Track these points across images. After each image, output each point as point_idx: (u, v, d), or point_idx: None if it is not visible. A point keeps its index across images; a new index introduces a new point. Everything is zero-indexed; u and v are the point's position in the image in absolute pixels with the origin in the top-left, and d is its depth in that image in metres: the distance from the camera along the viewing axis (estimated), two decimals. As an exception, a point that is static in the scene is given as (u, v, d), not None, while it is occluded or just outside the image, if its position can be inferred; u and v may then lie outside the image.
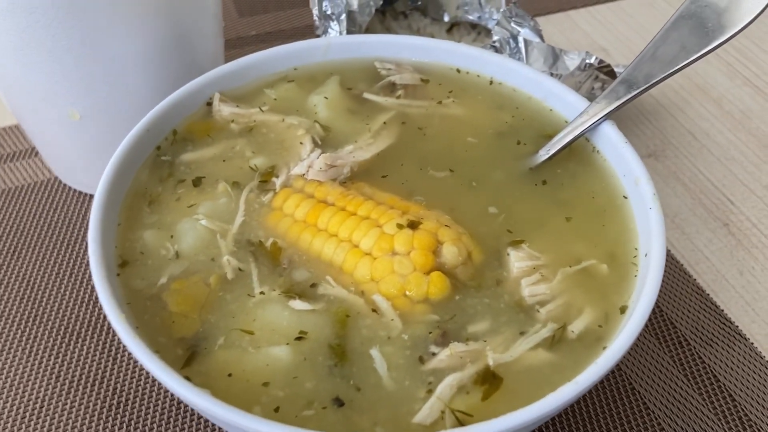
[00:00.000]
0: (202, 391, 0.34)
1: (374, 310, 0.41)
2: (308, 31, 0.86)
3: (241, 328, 0.40)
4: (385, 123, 0.53)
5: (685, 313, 0.56)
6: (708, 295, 0.58)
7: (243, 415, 0.33)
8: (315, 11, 0.66)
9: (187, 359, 0.38)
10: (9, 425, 0.49)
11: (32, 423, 0.49)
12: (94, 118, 0.57)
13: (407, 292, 0.41)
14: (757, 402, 0.51)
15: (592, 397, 0.51)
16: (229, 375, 0.38)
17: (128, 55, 0.53)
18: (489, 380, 0.37)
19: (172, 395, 0.50)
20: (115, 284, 0.40)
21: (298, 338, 0.39)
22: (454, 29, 0.79)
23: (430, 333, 0.40)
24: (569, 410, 0.50)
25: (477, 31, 0.78)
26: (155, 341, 0.38)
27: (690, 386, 0.52)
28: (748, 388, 0.52)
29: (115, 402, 0.50)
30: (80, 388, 0.51)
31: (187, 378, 0.36)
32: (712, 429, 0.49)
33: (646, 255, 0.41)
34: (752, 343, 0.54)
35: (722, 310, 0.57)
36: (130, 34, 0.52)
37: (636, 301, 0.39)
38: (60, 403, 0.50)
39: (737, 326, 0.56)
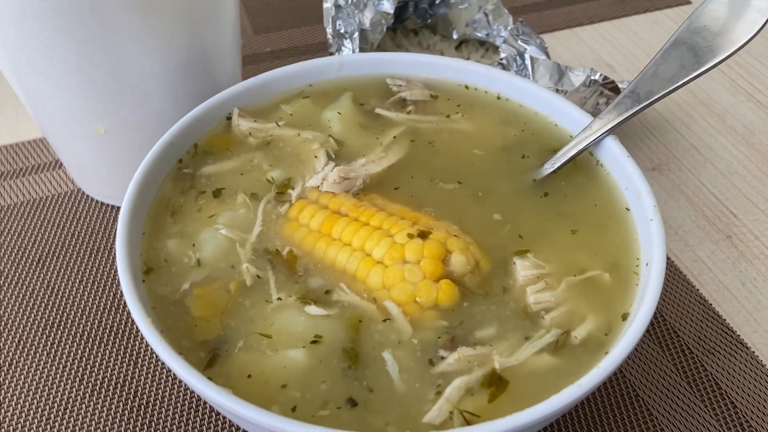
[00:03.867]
0: (225, 390, 0.36)
1: (386, 320, 0.43)
2: (321, 47, 0.89)
3: (260, 332, 0.42)
4: (395, 137, 0.55)
5: (687, 322, 0.58)
6: (710, 304, 0.59)
7: (264, 413, 0.35)
8: (329, 30, 0.68)
9: (209, 361, 0.40)
10: (35, 426, 0.51)
11: (56, 424, 0.51)
12: (118, 132, 0.59)
13: (417, 299, 0.43)
14: (758, 409, 0.52)
15: (597, 403, 0.52)
16: (249, 376, 0.40)
17: (152, 72, 0.56)
18: (495, 383, 0.39)
19: (191, 398, 0.52)
20: (141, 290, 0.42)
21: (314, 342, 0.41)
22: (463, 46, 0.81)
23: (439, 338, 0.42)
24: (575, 415, 0.51)
25: (485, 48, 0.80)
26: (179, 344, 0.40)
27: (692, 393, 0.53)
28: (749, 395, 0.53)
29: (137, 404, 0.52)
30: (103, 390, 0.53)
31: (210, 379, 0.38)
32: (714, 435, 0.51)
33: (647, 264, 0.43)
34: (753, 352, 0.56)
35: (724, 320, 0.58)
36: (155, 52, 0.55)
37: (637, 308, 0.41)
38: (84, 406, 0.52)
39: (739, 335, 0.57)
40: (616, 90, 0.66)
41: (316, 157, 0.53)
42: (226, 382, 0.38)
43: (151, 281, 0.44)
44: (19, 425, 0.51)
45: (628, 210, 0.48)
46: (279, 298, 0.44)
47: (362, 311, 0.43)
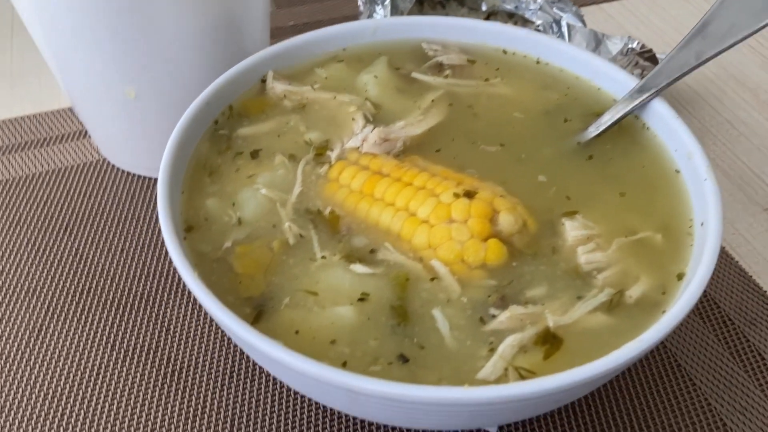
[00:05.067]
0: (276, 342, 0.35)
1: (433, 278, 0.42)
2: (345, 21, 0.87)
3: (306, 289, 0.41)
4: (433, 101, 0.54)
5: (728, 294, 0.57)
6: (750, 276, 0.58)
7: (321, 366, 0.34)
8: (360, -4, 0.67)
9: (256, 317, 0.39)
10: (66, 392, 0.50)
11: (89, 390, 0.50)
12: (147, 96, 0.58)
13: (465, 258, 0.42)
14: (804, 379, 0.51)
15: (638, 372, 0.51)
16: (296, 332, 0.39)
17: (184, 36, 0.55)
18: (549, 341, 0.38)
19: (225, 363, 0.51)
20: (184, 247, 0.41)
21: (361, 299, 0.40)
22: (491, 18, 0.80)
23: (489, 297, 0.41)
24: (616, 384, 0.50)
25: (514, 21, 0.79)
26: (224, 300, 0.39)
27: (735, 363, 0.52)
28: (793, 365, 0.52)
29: (169, 370, 0.51)
30: (135, 357, 0.52)
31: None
32: (759, 404, 0.50)
33: (702, 224, 0.42)
34: (796, 323, 0.55)
35: (765, 291, 0.57)
36: (186, 16, 0.54)
37: (695, 267, 0.40)
38: (116, 371, 0.51)
39: (781, 306, 0.56)
40: (653, 60, 0.65)
41: (353, 119, 0.52)
42: (275, 338, 0.37)
43: (192, 239, 0.43)
44: (51, 391, 0.50)
45: (678, 172, 0.47)
46: (323, 257, 0.43)
47: (408, 270, 0.42)
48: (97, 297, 0.56)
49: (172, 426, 0.48)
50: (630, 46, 0.63)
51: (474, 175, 0.48)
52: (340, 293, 0.41)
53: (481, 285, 0.41)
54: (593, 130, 0.50)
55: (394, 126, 0.51)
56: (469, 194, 0.44)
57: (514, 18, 0.79)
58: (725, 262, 0.59)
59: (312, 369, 0.34)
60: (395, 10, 0.68)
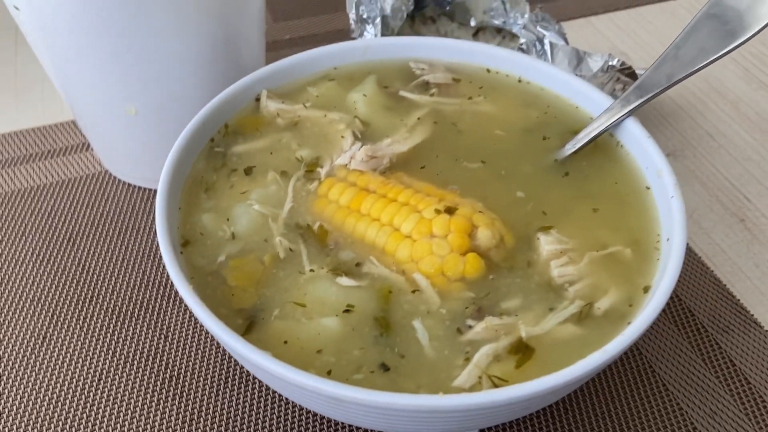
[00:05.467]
0: (265, 353, 0.38)
1: (415, 291, 0.44)
2: (340, 35, 0.90)
3: (294, 301, 0.44)
4: (419, 118, 0.56)
5: (702, 302, 0.59)
6: (725, 285, 0.61)
7: (304, 375, 0.36)
8: (352, 15, 0.70)
9: (247, 328, 0.42)
10: (70, 396, 0.53)
11: (91, 395, 0.53)
12: (148, 113, 0.61)
13: (445, 271, 0.45)
14: (772, 385, 0.54)
15: (614, 377, 0.54)
16: (285, 342, 0.41)
17: (183, 56, 0.58)
18: (522, 350, 0.41)
19: (221, 369, 0.54)
20: (180, 261, 0.44)
21: (346, 311, 0.43)
22: (480, 33, 0.82)
23: (466, 308, 0.43)
24: (593, 388, 0.53)
25: (502, 36, 0.81)
26: (217, 312, 0.41)
27: (707, 369, 0.55)
28: (763, 372, 0.55)
29: (168, 375, 0.54)
30: (135, 363, 0.55)
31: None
32: (728, 408, 0.52)
33: (668, 239, 0.45)
34: (767, 331, 0.57)
35: (738, 300, 0.60)
36: (185, 36, 0.57)
37: (659, 281, 0.42)
38: (117, 377, 0.54)
39: (753, 315, 0.58)
40: (633, 76, 0.67)
41: (342, 137, 0.54)
42: (264, 348, 0.40)
43: (189, 253, 0.46)
44: (54, 396, 0.53)
45: (648, 188, 0.49)
46: (311, 270, 0.45)
47: (392, 283, 0.45)
48: (98, 305, 0.59)
49: (170, 429, 0.51)
50: (610, 63, 0.65)
51: (456, 191, 0.50)
52: (326, 305, 0.43)
53: (460, 297, 0.44)
54: (570, 148, 0.53)
55: (381, 143, 0.53)
56: (450, 210, 0.47)
57: (502, 33, 0.81)
58: (701, 271, 0.62)
59: (296, 377, 0.37)
60: (386, 28, 0.71)
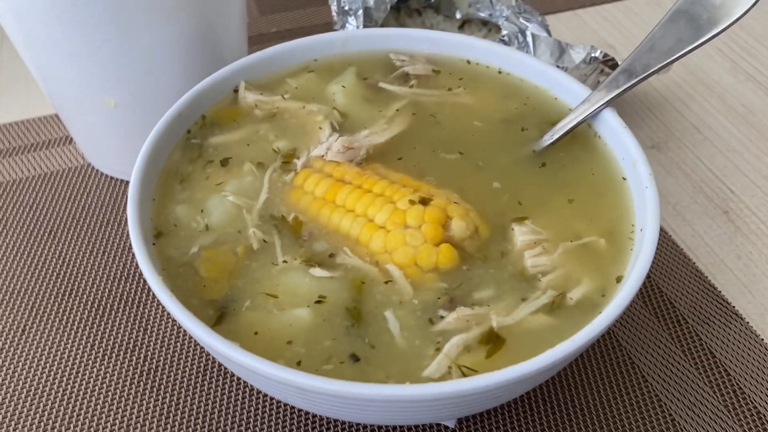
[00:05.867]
0: (233, 343, 0.38)
1: (388, 281, 0.44)
2: (326, 28, 0.90)
3: (266, 292, 0.43)
4: (398, 110, 0.56)
5: (684, 294, 0.59)
6: (706, 277, 0.60)
7: (270, 365, 0.36)
8: (333, 7, 0.69)
9: (218, 319, 0.42)
10: (48, 389, 0.53)
11: (69, 387, 0.53)
12: (127, 106, 0.61)
13: (418, 262, 0.45)
14: (751, 377, 0.54)
15: (593, 368, 0.54)
16: (256, 333, 0.41)
17: (161, 48, 0.57)
18: (492, 340, 0.41)
19: (199, 361, 0.54)
20: (152, 252, 0.44)
21: (318, 302, 0.43)
22: (466, 26, 0.82)
23: (438, 299, 0.43)
24: (572, 379, 0.53)
25: (488, 28, 0.81)
26: (188, 303, 0.41)
27: (687, 361, 0.55)
28: (743, 363, 0.54)
29: (146, 368, 0.54)
30: (113, 355, 0.55)
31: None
32: (707, 400, 0.52)
33: (641, 230, 0.44)
34: (748, 323, 0.57)
35: (720, 292, 0.59)
36: (163, 28, 0.56)
37: (631, 270, 0.42)
38: (95, 370, 0.54)
39: (734, 306, 0.58)
40: (616, 67, 0.67)
41: (320, 128, 0.54)
42: (234, 338, 0.40)
43: (162, 244, 0.46)
44: (32, 388, 0.53)
45: (625, 179, 0.49)
46: (285, 261, 0.45)
47: (365, 273, 0.45)
48: (78, 298, 0.59)
49: (147, 421, 0.51)
50: (593, 54, 0.65)
51: (432, 183, 0.50)
52: (298, 296, 0.43)
53: (433, 288, 0.44)
54: (548, 138, 0.52)
55: (358, 135, 0.53)
56: (425, 201, 0.47)
57: (488, 25, 0.81)
58: (682, 262, 0.61)
59: (263, 368, 0.36)
60: (369, 19, 0.70)
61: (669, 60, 0.49)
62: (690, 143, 0.73)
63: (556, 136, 0.52)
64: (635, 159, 0.48)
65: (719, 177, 0.70)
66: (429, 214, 0.46)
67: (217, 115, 0.55)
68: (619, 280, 0.43)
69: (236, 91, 0.57)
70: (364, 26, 0.70)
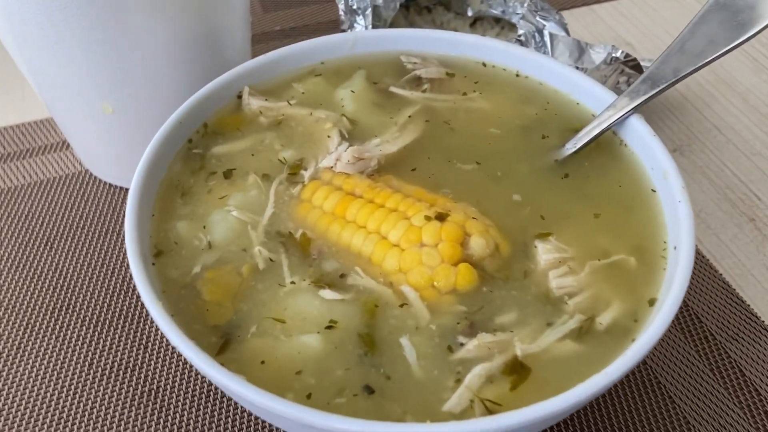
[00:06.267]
0: (238, 377, 0.35)
1: (403, 304, 0.41)
2: (332, 26, 0.86)
3: (273, 316, 0.41)
4: (410, 116, 0.53)
5: (711, 308, 0.56)
6: (734, 290, 0.58)
7: (278, 401, 0.34)
8: (341, 6, 0.66)
9: (221, 347, 0.39)
10: (44, 411, 0.50)
11: (65, 409, 0.50)
12: (125, 112, 0.58)
13: (435, 283, 0.42)
14: (784, 397, 0.51)
15: (617, 390, 0.51)
16: (262, 362, 0.39)
17: (159, 51, 0.54)
18: (517, 370, 0.38)
19: (202, 383, 0.51)
20: (151, 273, 0.41)
21: (329, 327, 0.40)
22: (478, 24, 0.79)
23: (458, 324, 0.40)
24: (595, 402, 0.50)
25: (501, 26, 0.78)
26: (190, 329, 0.39)
27: (716, 380, 0.52)
28: (774, 383, 0.52)
29: (146, 389, 0.51)
30: (113, 375, 0.52)
31: (222, 365, 0.36)
32: (738, 423, 0.49)
33: (675, 248, 0.42)
34: (779, 339, 0.54)
35: (748, 305, 0.56)
36: (162, 30, 0.53)
37: (665, 294, 0.39)
38: (93, 390, 0.51)
39: (763, 321, 0.55)
40: (637, 68, 0.64)
41: (329, 137, 0.51)
42: (239, 368, 0.37)
43: (162, 264, 0.43)
44: (27, 410, 0.50)
45: (654, 191, 0.46)
46: (292, 282, 0.42)
47: (378, 295, 0.42)
48: (75, 313, 0.56)
49: (147, 447, 0.48)
50: (614, 55, 0.62)
51: (448, 196, 0.47)
52: (307, 320, 0.40)
53: (451, 311, 0.41)
54: (570, 147, 0.49)
55: (369, 144, 0.50)
56: (441, 217, 0.44)
57: (501, 23, 0.78)
58: (709, 275, 0.59)
59: (272, 404, 0.34)
60: (377, 18, 0.67)
61: (701, 63, 0.46)
62: (713, 146, 0.70)
63: (579, 145, 0.49)
64: (665, 169, 0.45)
65: (744, 182, 0.66)
66: (446, 231, 0.43)
67: (219, 123, 0.52)
68: (651, 302, 0.41)
69: (240, 97, 0.54)
70: (373, 25, 0.67)
